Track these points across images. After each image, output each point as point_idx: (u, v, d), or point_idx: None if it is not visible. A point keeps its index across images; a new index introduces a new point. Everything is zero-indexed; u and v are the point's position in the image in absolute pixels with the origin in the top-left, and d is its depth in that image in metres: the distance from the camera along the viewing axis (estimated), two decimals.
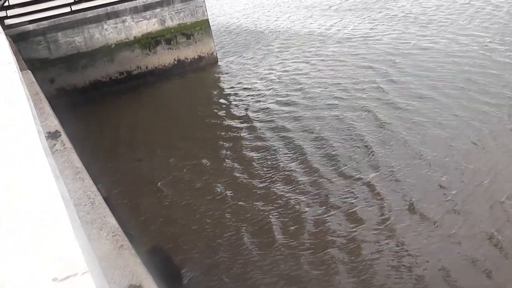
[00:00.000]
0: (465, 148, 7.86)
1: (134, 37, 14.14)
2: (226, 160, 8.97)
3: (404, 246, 5.94)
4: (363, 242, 6.09)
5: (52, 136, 4.98)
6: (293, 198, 7.30)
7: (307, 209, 6.99)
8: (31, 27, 12.92)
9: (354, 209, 6.79)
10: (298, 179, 7.82)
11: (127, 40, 14.05)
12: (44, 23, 13.03)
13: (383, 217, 6.52)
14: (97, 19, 13.51)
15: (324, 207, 6.94)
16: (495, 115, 8.69)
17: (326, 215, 6.76)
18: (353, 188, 7.30)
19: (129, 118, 12.01)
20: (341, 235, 6.30)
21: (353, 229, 6.36)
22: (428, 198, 6.73)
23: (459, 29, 14.46)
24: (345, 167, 7.92)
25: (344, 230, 6.39)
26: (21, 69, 7.95)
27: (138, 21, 14.04)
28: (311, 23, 18.95)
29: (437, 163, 7.52)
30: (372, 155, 8.15)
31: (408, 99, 10.07)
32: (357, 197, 7.07)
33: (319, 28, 17.89)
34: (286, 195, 7.43)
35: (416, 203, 6.65)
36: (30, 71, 8.01)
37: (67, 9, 13.29)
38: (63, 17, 13.18)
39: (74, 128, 10.54)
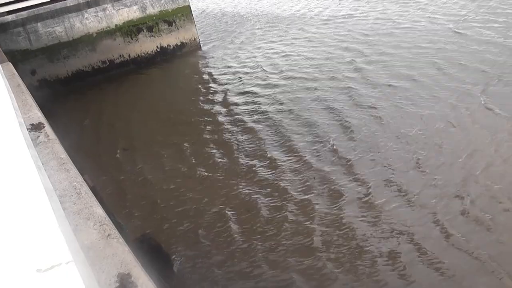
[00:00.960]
0: (442, 126, 7.92)
1: (115, 25, 13.97)
2: (210, 144, 8.99)
3: (382, 218, 6.07)
4: (345, 217, 6.23)
5: (35, 128, 4.92)
6: (276, 179, 7.38)
7: (290, 188, 7.07)
8: (10, 18, 12.71)
9: (335, 186, 6.90)
10: (280, 161, 7.89)
11: (108, 28, 13.88)
12: (24, 14, 12.81)
13: (363, 192, 6.63)
14: (77, 8, 13.30)
15: (306, 185, 7.06)
16: (471, 93, 8.76)
17: (308, 193, 6.88)
18: (334, 166, 7.39)
19: (114, 107, 11.92)
20: (325, 211, 6.43)
21: (335, 205, 6.49)
22: (406, 175, 6.83)
23: (437, 8, 14.53)
24: (325, 146, 8.00)
25: (327, 206, 6.52)
26: (1, 61, 7.83)
27: (118, 9, 13.86)
28: (291, 6, 18.90)
29: (416, 140, 7.60)
30: (352, 134, 8.23)
31: (386, 79, 10.14)
32: (338, 174, 7.18)
33: (299, 10, 17.88)
34: (268, 176, 7.50)
35: (394, 179, 6.76)
36: (10, 63, 7.88)
37: None
38: (43, 7, 12.97)
39: (58, 119, 10.48)
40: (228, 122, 9.76)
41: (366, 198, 6.52)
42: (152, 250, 6.39)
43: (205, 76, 13.12)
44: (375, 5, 16.49)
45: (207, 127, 9.78)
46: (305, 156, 7.87)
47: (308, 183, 7.14)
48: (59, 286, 1.40)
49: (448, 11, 14.01)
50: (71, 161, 4.13)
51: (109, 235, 3.04)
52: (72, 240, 1.86)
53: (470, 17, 12.96)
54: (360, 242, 5.75)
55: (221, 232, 6.47)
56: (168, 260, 6.20)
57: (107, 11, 13.73)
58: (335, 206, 6.46)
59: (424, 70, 10.19)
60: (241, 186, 7.39)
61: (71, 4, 13.19)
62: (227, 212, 6.85)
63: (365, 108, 9.08)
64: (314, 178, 7.22)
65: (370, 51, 11.96)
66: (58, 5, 13.03)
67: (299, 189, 7.02)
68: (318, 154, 7.86)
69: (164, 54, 14.89)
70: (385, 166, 7.16)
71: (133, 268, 2.70)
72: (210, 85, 12.30)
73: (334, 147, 7.92)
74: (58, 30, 13.19)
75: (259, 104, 10.32)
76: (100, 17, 13.71)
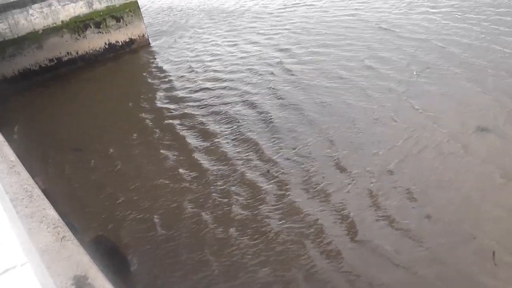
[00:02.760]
0: (366, 123, 8.29)
1: (62, 21, 13.59)
2: (161, 141, 9.05)
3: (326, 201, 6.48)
4: (294, 199, 6.64)
5: None
6: (228, 167, 7.75)
7: (248, 173, 7.41)
8: None
9: (285, 173, 7.27)
10: (229, 149, 8.22)
11: (54, 25, 13.49)
12: None
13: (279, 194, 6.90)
14: (21, 4, 12.85)
15: (258, 171, 7.44)
16: (395, 90, 9.18)
17: (260, 181, 7.21)
18: (278, 156, 7.77)
19: (63, 107, 11.63)
20: (272, 194, 6.84)
21: (283, 192, 6.83)
22: (327, 171, 7.15)
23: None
24: (251, 148, 8.24)
25: (274, 191, 6.90)
26: None
27: (64, 4, 13.49)
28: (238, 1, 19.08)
29: (341, 140, 7.90)
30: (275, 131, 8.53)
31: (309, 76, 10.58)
32: (281, 164, 7.53)
33: (245, 5, 18.05)
34: (222, 165, 7.78)
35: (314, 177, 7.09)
36: None
37: None
38: None
39: (7, 120, 10.17)
40: (179, 118, 9.83)
41: (280, 193, 6.83)
42: (108, 251, 6.33)
43: (155, 73, 13.02)
44: None
45: (155, 123, 9.83)
46: (254, 141, 8.33)
47: (257, 164, 7.60)
48: (17, 282, 1.40)
49: (374, 7, 14.64)
50: (21, 164, 4.05)
51: (63, 237, 3.01)
52: (26, 241, 1.84)
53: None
54: (306, 225, 6.04)
55: (177, 230, 6.49)
56: (124, 261, 6.16)
57: (53, 6, 13.34)
58: (283, 193, 6.67)
59: (351, 64, 10.67)
60: (193, 183, 7.47)
61: (15, 0, 12.74)
62: (183, 209, 6.88)
63: (293, 106, 9.40)
64: (260, 160, 7.45)
65: (300, 51, 12.29)
66: (1, 0, 12.57)
67: (254, 172, 7.42)
68: (265, 140, 8.20)
69: (113, 51, 14.62)
70: (303, 164, 7.42)
71: (90, 270, 2.69)
72: (159, 81, 12.26)
73: (261, 150, 8.13)
74: (2, 27, 12.72)
75: (207, 99, 10.50)
76: (46, 13, 13.31)
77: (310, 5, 16.44)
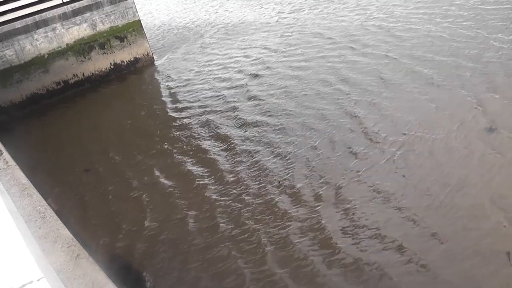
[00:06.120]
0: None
1: (67, 44, 13.77)
2: (170, 156, 9.13)
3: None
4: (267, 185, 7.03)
5: None
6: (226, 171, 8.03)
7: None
8: None
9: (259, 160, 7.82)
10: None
11: (59, 48, 13.66)
12: None
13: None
14: (26, 30, 13.04)
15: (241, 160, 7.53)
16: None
17: (239, 171, 7.71)
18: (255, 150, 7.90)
19: (71, 129, 11.73)
20: (252, 185, 7.32)
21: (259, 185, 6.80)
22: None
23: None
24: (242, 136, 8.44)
25: (255, 179, 7.34)
26: None
27: (68, 28, 13.67)
28: (240, 14, 19.15)
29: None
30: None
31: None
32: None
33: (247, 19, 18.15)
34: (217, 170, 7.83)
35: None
36: None
37: None
38: None
39: (17, 145, 10.27)
40: (186, 135, 9.86)
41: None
42: (123, 269, 6.37)
43: (160, 91, 13.10)
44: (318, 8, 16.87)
45: (165, 140, 9.84)
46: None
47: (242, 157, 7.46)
48: None
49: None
50: (32, 186, 4.10)
51: (78, 255, 3.05)
52: (41, 257, 1.88)
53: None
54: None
55: (194, 246, 6.51)
56: (139, 278, 6.18)
57: (57, 30, 13.52)
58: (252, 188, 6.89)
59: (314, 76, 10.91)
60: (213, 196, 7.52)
61: (19, 26, 12.93)
62: (197, 224, 6.91)
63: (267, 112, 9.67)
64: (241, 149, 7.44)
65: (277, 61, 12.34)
66: (5, 27, 12.75)
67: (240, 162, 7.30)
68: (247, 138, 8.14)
69: (118, 71, 14.76)
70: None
71: (105, 286, 2.72)
72: (165, 98, 12.33)
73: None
74: (8, 54, 12.90)
75: (210, 115, 10.57)
76: (51, 37, 13.49)
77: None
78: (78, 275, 2.71)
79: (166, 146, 9.57)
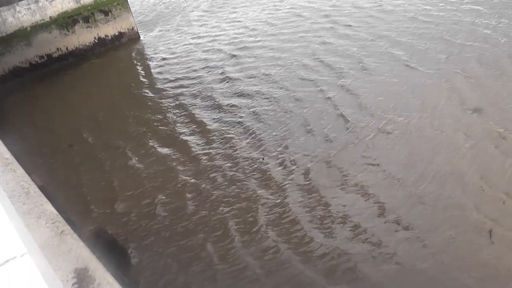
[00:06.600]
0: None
1: (50, 17, 13.48)
2: (149, 134, 9.11)
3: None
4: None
5: None
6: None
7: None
8: None
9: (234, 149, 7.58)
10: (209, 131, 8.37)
11: (42, 21, 13.39)
12: None
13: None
14: (8, 1, 12.72)
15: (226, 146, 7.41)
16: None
17: (215, 155, 7.76)
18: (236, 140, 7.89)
19: (55, 104, 11.58)
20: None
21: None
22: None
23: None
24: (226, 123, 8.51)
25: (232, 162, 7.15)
26: None
27: (52, 0, 13.37)
28: None
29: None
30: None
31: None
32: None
33: None
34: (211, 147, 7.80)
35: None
36: None
37: None
38: None
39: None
40: (168, 110, 9.89)
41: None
42: (108, 245, 6.36)
43: (145, 65, 13.03)
44: None
45: (152, 118, 9.80)
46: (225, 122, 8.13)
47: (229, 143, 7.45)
48: (17, 279, 1.42)
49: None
50: (16, 161, 4.05)
51: (62, 231, 3.03)
52: (25, 233, 1.86)
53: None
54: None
55: (176, 222, 6.53)
56: (124, 254, 6.19)
57: (40, 3, 13.22)
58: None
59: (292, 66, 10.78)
60: (187, 173, 7.53)
61: None
62: (180, 202, 6.92)
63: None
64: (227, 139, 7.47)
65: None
66: None
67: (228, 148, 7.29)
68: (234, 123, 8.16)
69: (102, 45, 14.53)
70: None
71: (90, 262, 2.71)
72: (150, 73, 12.31)
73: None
74: None
75: (194, 87, 10.62)
76: (33, 10, 13.19)
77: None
78: (62, 251, 2.69)
79: (145, 122, 9.59)
